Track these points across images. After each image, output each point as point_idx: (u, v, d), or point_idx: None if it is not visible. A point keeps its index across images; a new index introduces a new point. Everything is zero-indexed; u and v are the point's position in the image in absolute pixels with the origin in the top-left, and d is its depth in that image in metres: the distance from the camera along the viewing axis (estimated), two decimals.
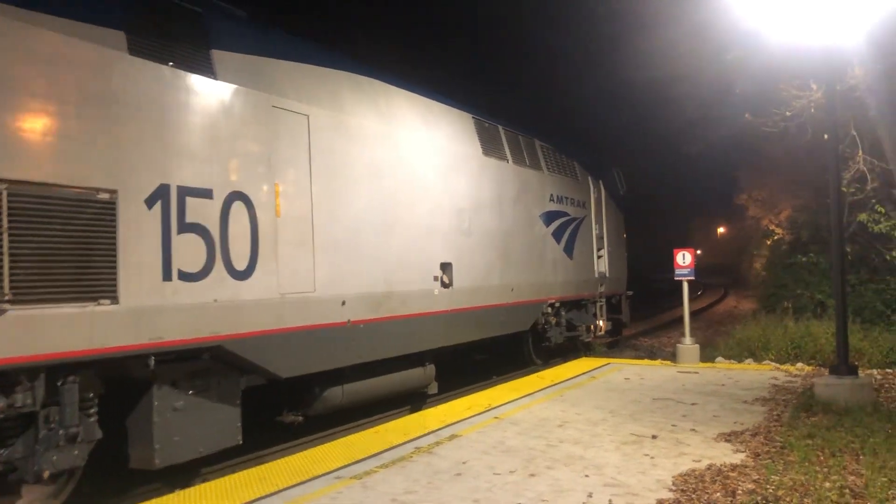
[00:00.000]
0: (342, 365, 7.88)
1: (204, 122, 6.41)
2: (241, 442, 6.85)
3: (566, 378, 10.70)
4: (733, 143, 21.89)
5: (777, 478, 5.42)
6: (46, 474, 5.20)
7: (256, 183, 6.86)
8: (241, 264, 6.60)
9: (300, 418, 7.95)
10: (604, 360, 12.99)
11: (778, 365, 11.75)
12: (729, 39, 11.90)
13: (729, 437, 6.76)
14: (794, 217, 20.13)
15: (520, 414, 8.13)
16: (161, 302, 5.84)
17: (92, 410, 5.57)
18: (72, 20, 5.40)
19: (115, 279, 5.48)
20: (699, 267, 15.21)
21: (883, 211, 12.85)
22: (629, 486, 5.36)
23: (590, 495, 5.18)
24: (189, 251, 6.11)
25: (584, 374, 11.13)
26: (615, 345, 17.75)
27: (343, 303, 7.83)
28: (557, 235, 13.47)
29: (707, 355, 12.89)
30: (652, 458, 6.13)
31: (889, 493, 5.05)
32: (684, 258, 13.04)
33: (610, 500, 5.06)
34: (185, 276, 6.05)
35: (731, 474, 5.55)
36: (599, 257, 15.42)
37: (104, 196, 5.46)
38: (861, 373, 8.96)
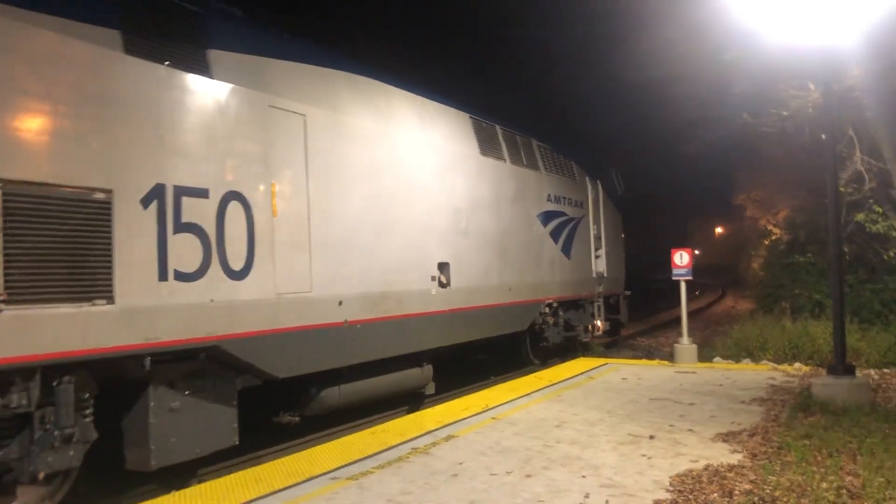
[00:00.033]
0: (339, 365, 7.87)
1: (200, 122, 6.39)
2: (237, 443, 6.83)
3: (564, 378, 10.69)
4: (731, 144, 21.92)
5: (774, 478, 5.41)
6: (42, 475, 5.19)
7: (253, 183, 6.84)
8: (237, 264, 6.59)
9: (297, 419, 7.93)
10: (601, 360, 12.98)
11: (775, 365, 11.75)
12: (727, 40, 11.91)
13: (726, 438, 6.75)
14: (792, 217, 20.11)
15: (517, 414, 8.11)
16: (157, 302, 5.82)
17: (87, 411, 5.55)
18: (67, 19, 5.39)
19: (110, 279, 5.46)
20: (697, 267, 15.21)
21: (880, 211, 12.86)
22: (626, 487, 5.35)
23: (587, 496, 5.17)
24: (185, 251, 6.09)
25: (581, 374, 11.12)
26: (613, 345, 17.75)
27: (340, 303, 7.81)
28: (555, 235, 13.46)
29: (705, 355, 12.89)
30: (649, 458, 6.12)
31: (886, 493, 5.03)
32: (682, 258, 13.03)
33: (607, 501, 5.05)
34: (181, 276, 6.03)
35: (728, 475, 5.54)
36: (597, 257, 15.41)
37: (100, 196, 5.44)
38: (858, 373, 8.96)
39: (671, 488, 5.28)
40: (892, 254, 13.55)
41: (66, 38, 5.35)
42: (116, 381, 5.91)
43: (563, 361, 13.12)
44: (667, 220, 64.41)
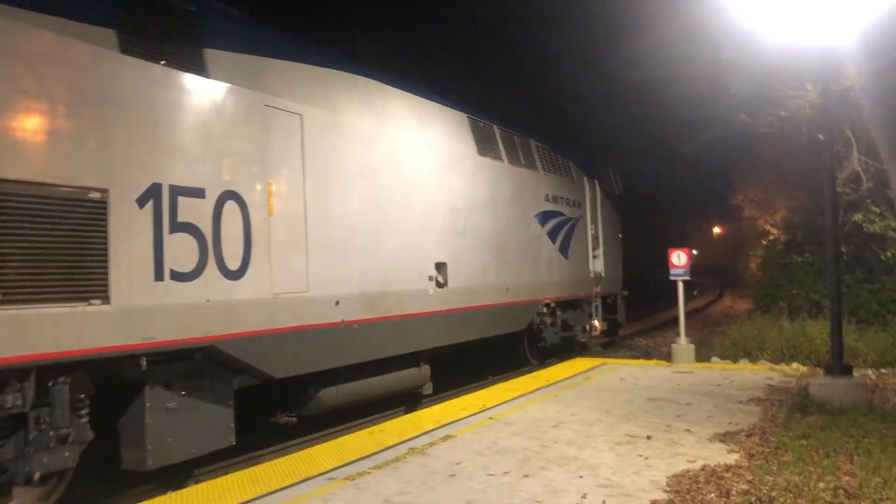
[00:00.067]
0: (336, 365, 7.85)
1: (196, 121, 6.38)
2: (234, 443, 6.81)
3: (561, 378, 10.69)
4: (730, 144, 21.91)
5: (771, 478, 5.40)
6: (37, 476, 5.17)
7: (249, 182, 6.83)
8: (233, 264, 6.57)
9: (294, 419, 7.91)
10: (599, 360, 12.98)
11: (773, 365, 11.75)
12: (726, 40, 11.91)
13: (723, 438, 6.74)
14: (790, 217, 20.13)
15: (515, 414, 8.10)
16: (153, 302, 5.80)
17: (83, 411, 5.53)
18: (63, 18, 5.37)
19: (106, 279, 5.45)
20: (696, 267, 15.23)
21: (878, 211, 12.86)
22: (623, 487, 5.34)
23: (584, 496, 5.16)
24: (181, 251, 6.07)
25: (579, 374, 11.11)
26: (611, 345, 17.74)
27: (337, 303, 7.80)
28: (553, 235, 13.46)
29: (702, 355, 12.89)
30: (646, 458, 6.12)
31: (883, 493, 5.03)
32: (679, 258, 13.03)
33: (604, 501, 5.04)
34: (177, 276, 6.02)
35: (725, 475, 5.54)
36: (595, 257, 15.41)
37: (95, 195, 5.43)
38: (856, 373, 8.96)
39: (668, 488, 5.27)
40: (889, 254, 13.55)
41: (61, 38, 5.33)
42: (112, 381, 5.89)
43: (561, 361, 13.11)
44: (666, 219, 64.44)
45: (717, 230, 71.29)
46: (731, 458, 6.02)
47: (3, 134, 4.90)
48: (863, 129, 12.11)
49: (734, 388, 9.44)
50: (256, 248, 6.82)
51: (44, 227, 5.07)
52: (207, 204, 6.38)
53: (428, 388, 9.94)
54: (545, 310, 12.97)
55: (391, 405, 9.81)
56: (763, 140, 16.51)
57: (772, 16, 8.91)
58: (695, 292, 44.96)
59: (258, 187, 6.91)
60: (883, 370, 10.93)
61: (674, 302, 13.28)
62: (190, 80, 6.36)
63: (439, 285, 9.79)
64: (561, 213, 13.90)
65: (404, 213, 9.15)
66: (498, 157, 11.76)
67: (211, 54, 6.66)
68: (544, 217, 13.17)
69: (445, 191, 10.12)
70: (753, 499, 4.98)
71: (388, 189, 8.85)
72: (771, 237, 23.78)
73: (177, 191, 6.08)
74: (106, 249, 5.46)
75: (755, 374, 10.79)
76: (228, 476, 6.07)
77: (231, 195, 6.61)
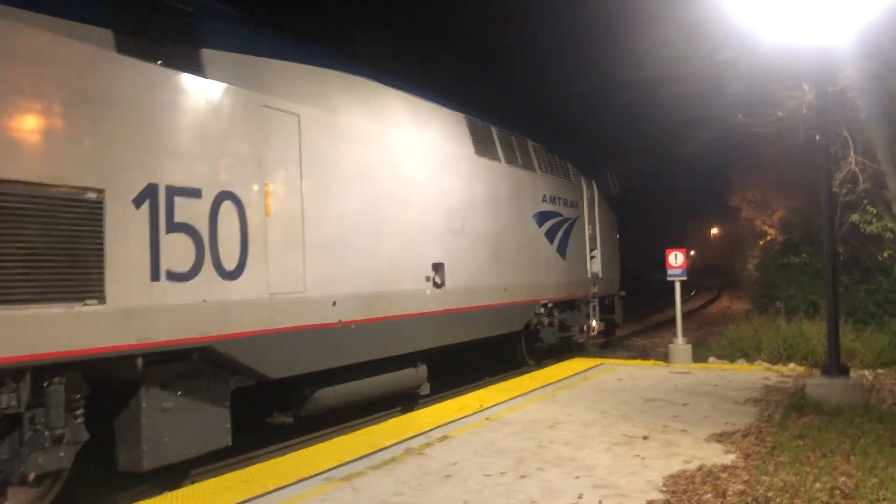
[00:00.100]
0: (333, 366, 7.84)
1: (193, 121, 6.37)
2: (230, 443, 6.80)
3: (558, 379, 10.68)
4: (728, 144, 21.95)
5: (768, 478, 5.40)
6: (32, 476, 5.15)
7: (246, 182, 6.82)
8: (230, 264, 6.56)
9: (290, 419, 7.91)
10: (596, 361, 12.98)
11: (770, 365, 11.75)
12: (723, 40, 11.91)
13: (720, 438, 6.74)
14: (787, 218, 20.16)
15: (511, 415, 8.10)
16: (149, 302, 5.79)
17: (78, 412, 5.51)
18: (58, 18, 5.35)
19: (102, 279, 5.43)
20: (694, 268, 15.23)
21: (875, 211, 12.86)
22: (619, 488, 5.34)
23: (580, 496, 5.16)
24: (178, 251, 6.06)
25: (576, 374, 11.11)
26: (608, 345, 17.75)
27: (334, 303, 7.79)
28: (550, 236, 13.46)
29: (699, 355, 12.90)
30: (643, 458, 6.12)
31: (879, 494, 5.03)
32: (676, 258, 13.02)
33: (600, 502, 5.04)
34: (173, 276, 6.01)
35: (721, 475, 5.53)
36: (592, 258, 15.42)
37: (91, 195, 5.42)
38: (853, 373, 8.97)
39: (665, 489, 5.27)
40: (886, 254, 13.55)
41: (57, 37, 5.31)
42: (108, 382, 5.88)
43: (559, 362, 13.11)
44: (666, 219, 64.57)
45: (714, 231, 71.38)
46: (728, 459, 6.02)
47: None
48: (860, 130, 12.10)
49: (731, 389, 9.44)
50: (253, 248, 6.82)
51: (39, 227, 5.06)
52: (204, 204, 6.36)
53: (425, 389, 9.93)
54: (542, 310, 12.97)
55: (388, 405, 9.80)
56: (760, 140, 16.50)
57: (769, 16, 8.91)
58: (693, 293, 45.00)
59: (255, 187, 6.90)
60: (879, 371, 10.94)
61: (672, 302, 13.29)
62: (187, 79, 6.35)
63: (437, 286, 9.79)
64: (558, 214, 13.90)
65: (402, 214, 9.14)
66: (496, 158, 11.76)
67: (208, 54, 6.65)
68: (542, 217, 13.17)
69: (443, 191, 10.12)
70: (750, 499, 4.98)
71: (385, 189, 8.85)
72: (768, 238, 23.82)
73: (173, 191, 6.07)
74: (102, 249, 5.45)
75: (752, 374, 10.80)
76: (224, 476, 6.07)
77: (228, 195, 6.60)
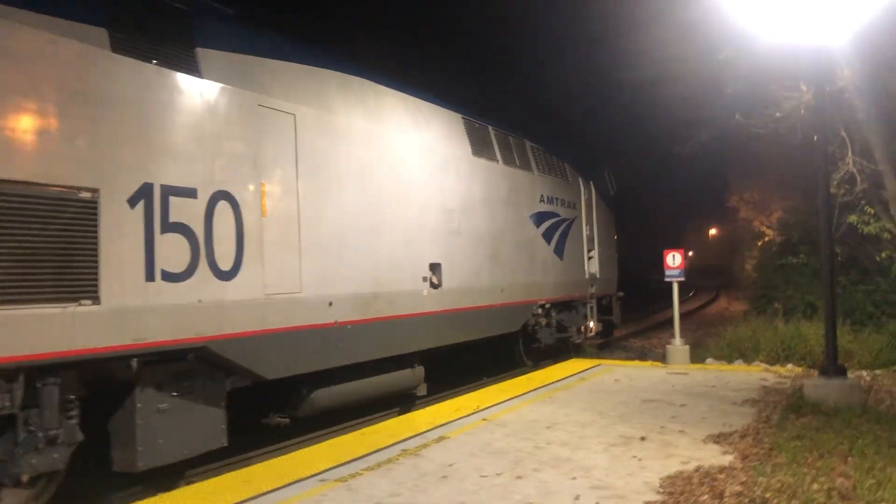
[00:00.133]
0: (329, 366, 7.82)
1: (188, 121, 6.34)
2: (226, 444, 6.77)
3: (556, 379, 10.66)
4: (725, 145, 21.93)
5: (765, 479, 5.38)
6: (26, 478, 5.13)
7: (242, 182, 6.79)
8: (225, 264, 6.53)
9: (287, 420, 7.88)
10: (594, 362, 12.96)
11: (768, 366, 11.74)
12: (721, 40, 11.89)
13: (717, 439, 6.72)
14: (785, 218, 20.16)
15: (508, 416, 8.08)
16: (144, 302, 5.76)
17: (73, 412, 5.48)
18: (53, 17, 5.33)
19: (96, 279, 5.41)
20: (692, 268, 15.24)
21: (872, 212, 12.85)
22: (616, 489, 5.32)
23: (577, 498, 5.14)
24: (173, 251, 6.04)
25: (573, 375, 11.09)
26: (606, 346, 17.75)
27: (330, 303, 7.77)
28: (548, 236, 13.44)
29: (697, 356, 12.89)
30: (640, 459, 6.09)
31: (877, 494, 5.02)
32: (674, 259, 13.01)
33: (597, 503, 5.02)
34: (168, 277, 5.98)
35: (718, 476, 5.51)
36: (590, 258, 15.40)
37: (85, 195, 5.39)
38: (850, 374, 8.96)
39: (662, 490, 5.25)
40: (883, 255, 13.55)
41: (51, 36, 5.29)
42: (103, 382, 5.86)
43: (556, 363, 13.09)
44: (666, 219, 64.62)
45: (713, 231, 71.44)
46: (725, 460, 6.00)
47: None
48: (857, 130, 12.10)
49: (729, 390, 9.43)
50: (249, 248, 6.79)
51: (33, 227, 5.03)
52: (199, 204, 6.34)
53: (422, 389, 9.91)
54: (540, 311, 12.95)
55: (385, 406, 9.78)
56: (759, 141, 16.50)
57: (767, 16, 8.90)
58: (691, 293, 45.01)
59: (251, 187, 6.88)
60: (877, 371, 10.93)
61: (671, 302, 13.28)
62: (182, 79, 6.33)
63: (434, 286, 9.77)
64: (556, 214, 13.88)
65: (398, 214, 9.12)
66: (493, 158, 11.74)
67: (203, 53, 6.63)
68: (539, 218, 13.16)
69: (440, 191, 10.10)
70: (747, 500, 4.96)
71: (382, 189, 8.83)
72: (766, 238, 23.83)
73: (168, 191, 6.04)
74: (96, 249, 5.42)
75: (750, 375, 10.78)
76: (220, 477, 6.04)
77: (223, 195, 6.58)
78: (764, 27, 9.28)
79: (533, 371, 12.09)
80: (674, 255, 13.03)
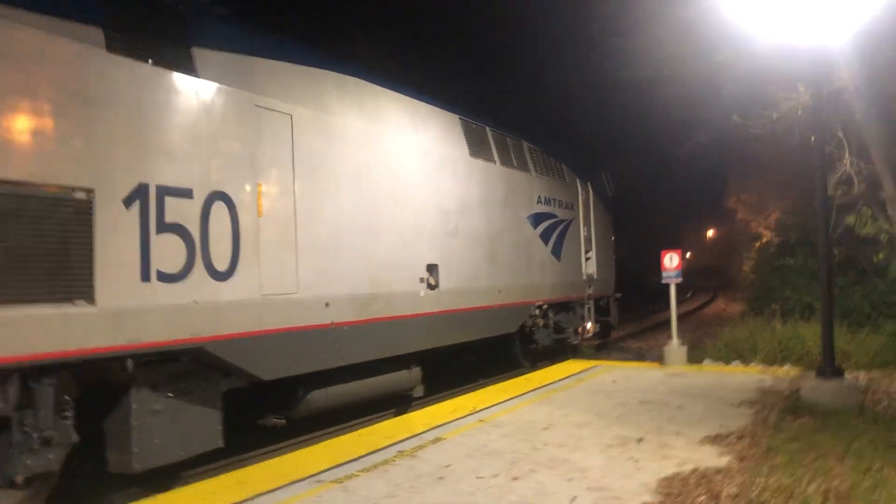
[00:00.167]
0: (326, 367, 7.80)
1: (184, 121, 6.33)
2: (222, 445, 6.76)
3: (553, 380, 10.65)
4: (723, 146, 21.93)
5: (762, 481, 5.36)
6: (21, 478, 5.11)
7: (238, 183, 6.78)
8: (221, 265, 6.52)
9: (283, 421, 7.86)
10: (591, 363, 12.94)
11: (766, 367, 11.72)
12: (719, 41, 11.88)
13: (715, 441, 6.71)
14: (782, 219, 20.17)
15: (505, 417, 8.06)
16: (139, 303, 5.74)
17: (68, 413, 5.47)
18: (47, 16, 5.31)
19: (91, 280, 5.39)
20: (690, 269, 15.24)
21: (870, 213, 12.85)
22: (613, 490, 5.31)
23: (573, 499, 5.13)
24: (168, 251, 6.02)
25: (571, 376, 11.08)
26: (603, 347, 17.72)
27: (327, 304, 7.75)
28: (545, 237, 13.43)
29: (695, 357, 12.86)
30: (637, 461, 6.08)
31: (874, 496, 5.01)
32: (671, 260, 13.00)
33: None
34: (164, 277, 5.96)
35: (715, 478, 5.49)
36: (587, 259, 15.39)
37: (80, 195, 5.37)
38: (848, 375, 8.94)
39: (658, 491, 5.24)
40: (881, 256, 13.54)
41: (46, 35, 5.27)
42: (99, 383, 5.84)
43: (553, 364, 13.08)
44: (666, 220, 64.55)
45: (710, 232, 71.42)
46: (722, 461, 5.99)
47: None
48: (855, 131, 12.09)
49: (726, 391, 9.41)
50: (245, 248, 6.77)
51: (28, 227, 5.01)
52: (195, 204, 6.32)
53: (419, 391, 9.89)
54: (537, 312, 12.93)
55: (382, 407, 9.76)
56: (756, 142, 16.50)
57: (764, 16, 8.89)
58: (688, 294, 45.01)
59: (247, 188, 6.86)
60: (874, 372, 10.92)
61: (668, 303, 13.27)
62: (178, 79, 6.31)
63: (431, 287, 9.75)
64: (553, 215, 13.87)
65: (395, 215, 9.10)
66: (490, 159, 11.73)
67: (199, 53, 6.61)
68: (537, 219, 13.15)
69: (437, 192, 10.09)
70: (744, 502, 4.95)
71: (379, 190, 8.81)
72: (764, 239, 23.83)
73: (164, 191, 6.03)
74: (91, 249, 5.41)
75: (747, 376, 10.77)
76: (216, 478, 6.02)
77: (219, 195, 6.56)
78: (762, 28, 9.27)
79: (530, 372, 12.08)
80: (671, 256, 13.02)
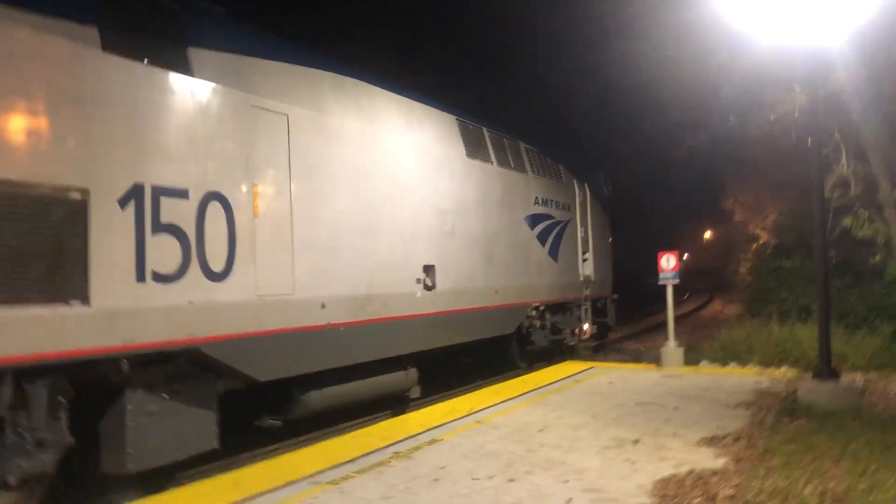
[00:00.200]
0: (322, 368, 7.78)
1: (180, 121, 6.31)
2: (217, 446, 6.72)
3: (550, 382, 10.64)
4: (721, 147, 21.93)
5: (758, 482, 5.35)
6: (13, 481, 5.08)
7: (234, 183, 6.76)
8: (217, 265, 6.49)
9: (279, 422, 7.83)
10: (588, 364, 12.93)
11: (762, 369, 11.72)
12: (716, 43, 11.91)
13: (711, 442, 6.70)
14: (780, 221, 20.19)
15: (501, 418, 8.05)
16: (134, 304, 5.72)
17: (62, 415, 5.43)
18: (42, 15, 5.28)
19: (86, 280, 5.36)
20: (687, 271, 15.25)
21: (867, 215, 12.87)
22: (609, 492, 5.29)
23: (569, 501, 5.11)
24: (164, 252, 5.99)
25: (567, 377, 11.07)
26: (600, 348, 17.72)
27: (323, 305, 7.73)
28: (542, 238, 13.42)
29: (692, 359, 12.85)
30: (633, 462, 6.07)
31: (870, 498, 5.00)
32: (668, 261, 13.00)
33: None
34: (159, 278, 5.94)
35: (711, 479, 5.48)
36: (584, 260, 15.39)
37: (75, 195, 5.35)
38: (844, 377, 8.95)
39: (655, 493, 5.22)
40: (877, 258, 13.57)
41: (41, 35, 5.24)
42: (94, 384, 5.81)
43: (550, 365, 13.07)
44: (664, 221, 64.55)
45: (707, 234, 71.45)
46: (719, 463, 5.98)
47: None
48: (852, 134, 12.12)
49: (723, 393, 9.41)
50: (241, 249, 6.75)
51: (22, 227, 4.98)
52: (191, 205, 6.30)
53: (415, 392, 9.88)
54: (534, 313, 12.92)
55: (378, 408, 9.74)
56: (754, 144, 16.53)
57: (761, 17, 8.89)
58: (685, 296, 45.03)
59: (243, 188, 6.84)
60: (871, 374, 10.92)
61: (665, 305, 13.26)
62: (174, 78, 6.29)
63: (427, 288, 9.74)
64: (550, 216, 13.86)
65: (392, 215, 9.09)
66: (487, 160, 11.72)
67: (196, 53, 6.59)
68: (533, 220, 13.14)
69: (434, 193, 10.07)
70: (740, 503, 4.94)
71: (375, 191, 8.79)
72: (761, 241, 23.85)
73: (160, 191, 6.00)
74: (86, 250, 5.37)
75: (744, 378, 10.77)
76: (211, 479, 6.00)
77: (215, 196, 6.54)
78: (759, 28, 9.28)
79: (527, 373, 12.07)
80: (668, 258, 13.02)
